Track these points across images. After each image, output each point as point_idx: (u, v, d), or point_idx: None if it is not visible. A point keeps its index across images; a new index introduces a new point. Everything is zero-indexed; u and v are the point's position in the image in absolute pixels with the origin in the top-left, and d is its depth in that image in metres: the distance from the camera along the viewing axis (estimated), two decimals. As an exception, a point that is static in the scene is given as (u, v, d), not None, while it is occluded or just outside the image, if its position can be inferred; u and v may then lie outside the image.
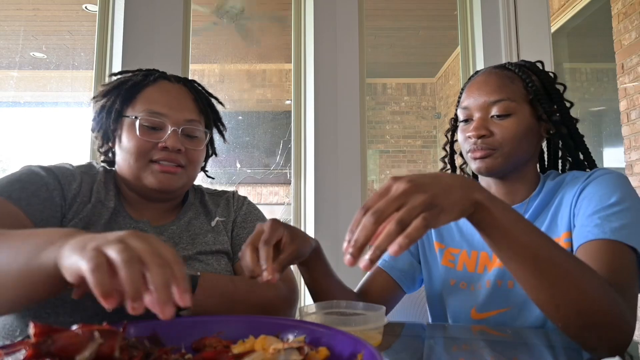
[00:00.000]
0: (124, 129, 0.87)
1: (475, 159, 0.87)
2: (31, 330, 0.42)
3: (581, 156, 0.92)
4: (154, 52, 1.78)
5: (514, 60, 1.94)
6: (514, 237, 0.57)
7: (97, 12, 1.86)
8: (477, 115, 0.87)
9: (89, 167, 0.91)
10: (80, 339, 0.41)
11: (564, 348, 0.61)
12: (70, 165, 0.89)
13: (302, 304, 1.45)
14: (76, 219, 0.82)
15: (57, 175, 0.82)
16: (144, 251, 0.43)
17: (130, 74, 0.93)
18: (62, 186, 0.82)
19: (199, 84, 0.98)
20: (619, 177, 0.79)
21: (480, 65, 2.03)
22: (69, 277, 0.44)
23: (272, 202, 4.91)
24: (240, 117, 4.54)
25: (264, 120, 4.33)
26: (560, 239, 0.81)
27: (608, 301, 0.59)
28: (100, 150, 0.94)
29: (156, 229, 0.90)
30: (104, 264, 0.41)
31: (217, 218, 0.96)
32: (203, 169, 1.03)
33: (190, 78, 0.98)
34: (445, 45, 4.46)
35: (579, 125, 0.94)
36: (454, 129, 1.00)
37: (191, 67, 1.88)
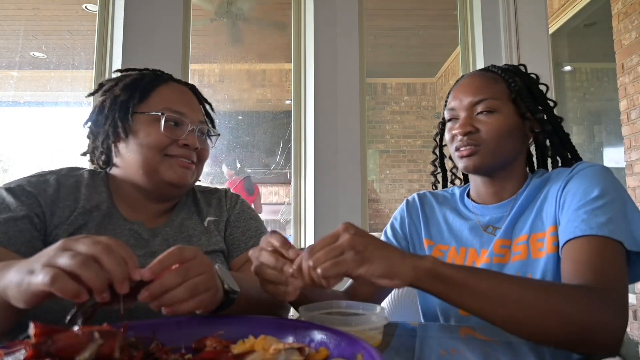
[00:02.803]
0: (141, 124, 0.88)
1: (462, 157, 0.89)
2: (31, 330, 0.42)
3: (569, 155, 0.93)
4: (154, 52, 1.78)
5: (514, 60, 1.95)
6: (475, 287, 0.61)
7: (97, 12, 1.86)
8: (462, 114, 0.90)
9: (70, 170, 0.90)
10: (80, 340, 0.41)
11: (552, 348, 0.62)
12: (46, 172, 0.87)
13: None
14: (64, 224, 0.81)
15: (28, 191, 0.81)
16: (91, 250, 0.49)
17: (137, 72, 0.95)
18: (36, 197, 0.81)
19: (197, 89, 1.01)
20: (601, 170, 0.80)
21: (480, 65, 2.03)
22: (24, 302, 0.50)
23: (272, 202, 4.91)
24: (240, 117, 4.54)
25: (264, 120, 4.33)
26: (546, 233, 0.82)
27: (586, 313, 0.59)
28: (103, 147, 0.91)
29: (151, 231, 0.89)
30: (60, 273, 0.47)
31: (208, 218, 0.96)
32: None
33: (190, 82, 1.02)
34: (445, 45, 4.47)
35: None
36: (442, 132, 1.01)
37: (191, 67, 1.88)
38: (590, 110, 4.03)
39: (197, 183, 1.03)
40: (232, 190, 1.06)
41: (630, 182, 2.92)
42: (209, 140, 0.99)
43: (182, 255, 0.55)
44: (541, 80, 0.96)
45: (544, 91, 0.94)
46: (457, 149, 0.90)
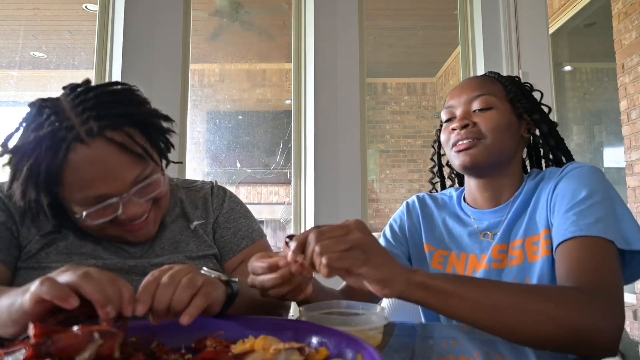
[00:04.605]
0: (70, 210, 0.74)
1: (459, 151, 0.88)
2: (31, 330, 0.42)
3: (564, 159, 0.93)
4: (154, 52, 1.78)
5: (514, 60, 1.95)
6: (465, 297, 0.60)
7: (97, 12, 1.86)
8: (460, 110, 0.90)
9: None
10: (80, 340, 0.41)
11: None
12: None
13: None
14: (37, 235, 0.78)
15: (0, 198, 0.78)
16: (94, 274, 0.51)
17: (30, 149, 0.68)
18: (8, 206, 0.78)
19: (114, 103, 0.73)
20: (589, 170, 0.80)
21: (480, 65, 2.03)
22: (14, 324, 0.52)
23: (272, 202, 4.91)
24: (240, 117, 4.54)
25: (264, 120, 4.33)
26: (540, 237, 0.82)
27: (580, 316, 0.59)
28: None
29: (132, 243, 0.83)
30: (57, 282, 0.49)
31: (195, 222, 0.89)
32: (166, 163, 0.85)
33: (96, 96, 0.72)
34: (445, 45, 4.46)
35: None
36: (439, 139, 1.01)
37: (191, 67, 1.88)
38: (591, 110, 4.03)
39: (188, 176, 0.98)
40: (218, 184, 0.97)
41: (630, 182, 2.92)
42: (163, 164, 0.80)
43: (161, 275, 0.56)
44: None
45: (539, 98, 0.96)
46: (454, 144, 0.89)
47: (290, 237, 0.61)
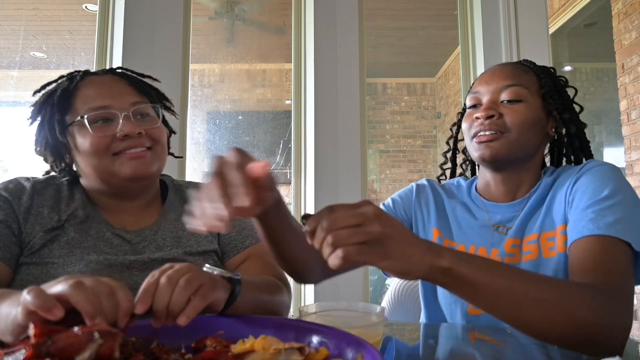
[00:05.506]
0: (75, 136, 0.84)
1: (480, 142, 0.85)
2: (31, 330, 0.42)
3: (584, 161, 0.91)
4: (154, 52, 1.78)
5: (514, 60, 1.94)
6: (489, 287, 0.58)
7: (97, 12, 1.85)
8: (486, 98, 0.86)
9: (50, 178, 0.89)
10: (80, 340, 0.41)
11: (561, 348, 0.62)
12: (26, 178, 0.86)
13: (302, 304, 1.46)
14: (40, 232, 0.80)
15: (4, 197, 0.81)
16: (89, 283, 0.49)
17: (53, 84, 0.89)
18: (11, 203, 0.81)
19: (127, 69, 0.94)
20: (611, 169, 0.79)
21: (480, 65, 2.03)
22: (11, 334, 0.51)
23: (272, 202, 4.89)
24: (240, 117, 4.53)
25: (264, 120, 4.32)
26: (557, 232, 0.81)
27: (595, 315, 0.59)
28: (57, 169, 0.90)
29: (135, 233, 0.86)
30: (45, 294, 0.47)
31: None
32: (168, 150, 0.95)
33: (116, 67, 0.95)
34: (445, 45, 4.46)
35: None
36: (459, 123, 0.98)
37: (191, 67, 1.88)
38: (591, 110, 4.03)
39: (192, 179, 1.01)
40: None
41: (630, 182, 2.91)
42: (166, 115, 0.92)
43: (160, 275, 0.56)
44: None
45: (572, 96, 0.92)
46: (475, 135, 0.86)
47: (307, 216, 0.57)
